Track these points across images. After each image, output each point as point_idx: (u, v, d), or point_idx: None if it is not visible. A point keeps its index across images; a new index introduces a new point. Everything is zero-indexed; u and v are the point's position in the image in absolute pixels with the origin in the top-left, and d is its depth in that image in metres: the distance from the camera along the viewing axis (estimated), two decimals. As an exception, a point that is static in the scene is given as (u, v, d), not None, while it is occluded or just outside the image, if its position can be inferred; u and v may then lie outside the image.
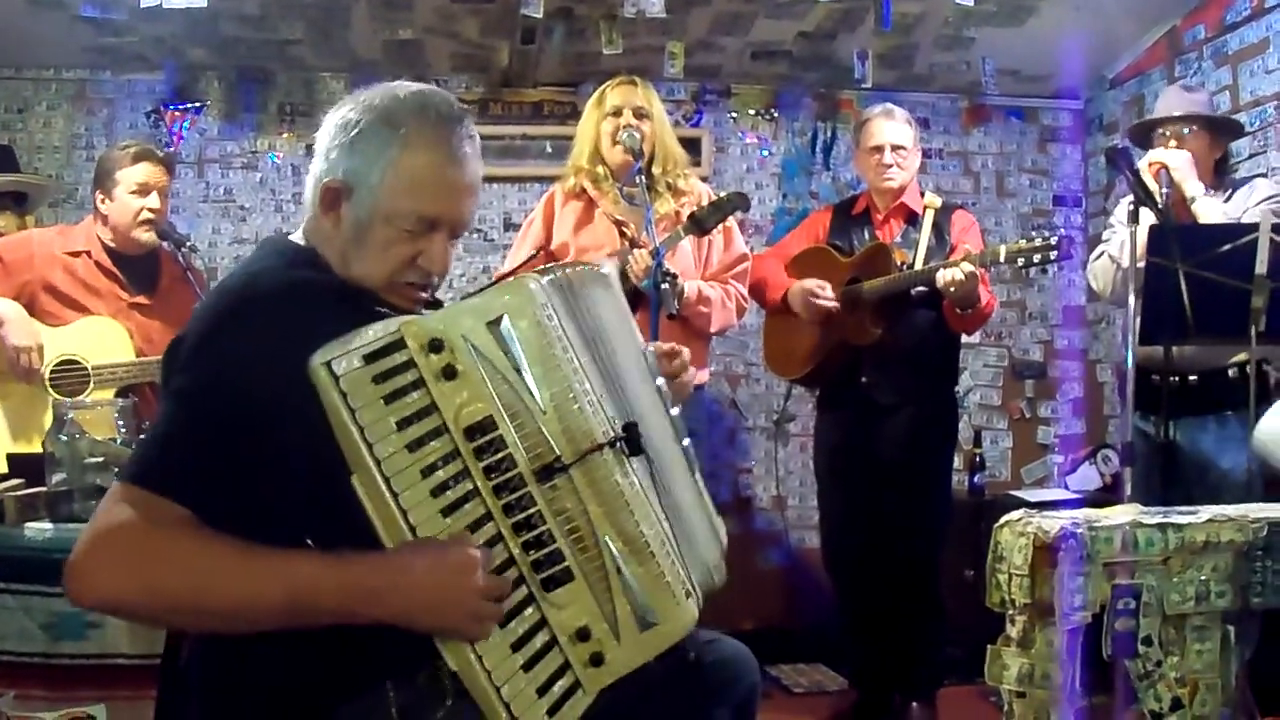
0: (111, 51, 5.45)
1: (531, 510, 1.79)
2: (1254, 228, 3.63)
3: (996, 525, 3.04)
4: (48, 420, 3.52)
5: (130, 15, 4.90)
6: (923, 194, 4.64)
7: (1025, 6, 5.30)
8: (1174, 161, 3.97)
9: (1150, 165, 3.98)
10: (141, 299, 4.07)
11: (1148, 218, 3.80)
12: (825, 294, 4.43)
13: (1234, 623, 2.97)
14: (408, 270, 1.98)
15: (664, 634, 1.89)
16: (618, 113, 4.20)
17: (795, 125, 6.14)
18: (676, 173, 4.24)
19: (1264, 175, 4.68)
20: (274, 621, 1.72)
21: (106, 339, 3.91)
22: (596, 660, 1.83)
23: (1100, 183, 6.14)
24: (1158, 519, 2.96)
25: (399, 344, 1.72)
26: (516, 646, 1.78)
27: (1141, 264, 3.72)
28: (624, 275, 3.96)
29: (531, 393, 1.80)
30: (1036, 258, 4.12)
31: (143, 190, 4.00)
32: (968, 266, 4.11)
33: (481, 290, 1.92)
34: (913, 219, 4.57)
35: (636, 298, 3.94)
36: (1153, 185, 3.91)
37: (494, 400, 1.76)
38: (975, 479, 5.73)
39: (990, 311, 4.49)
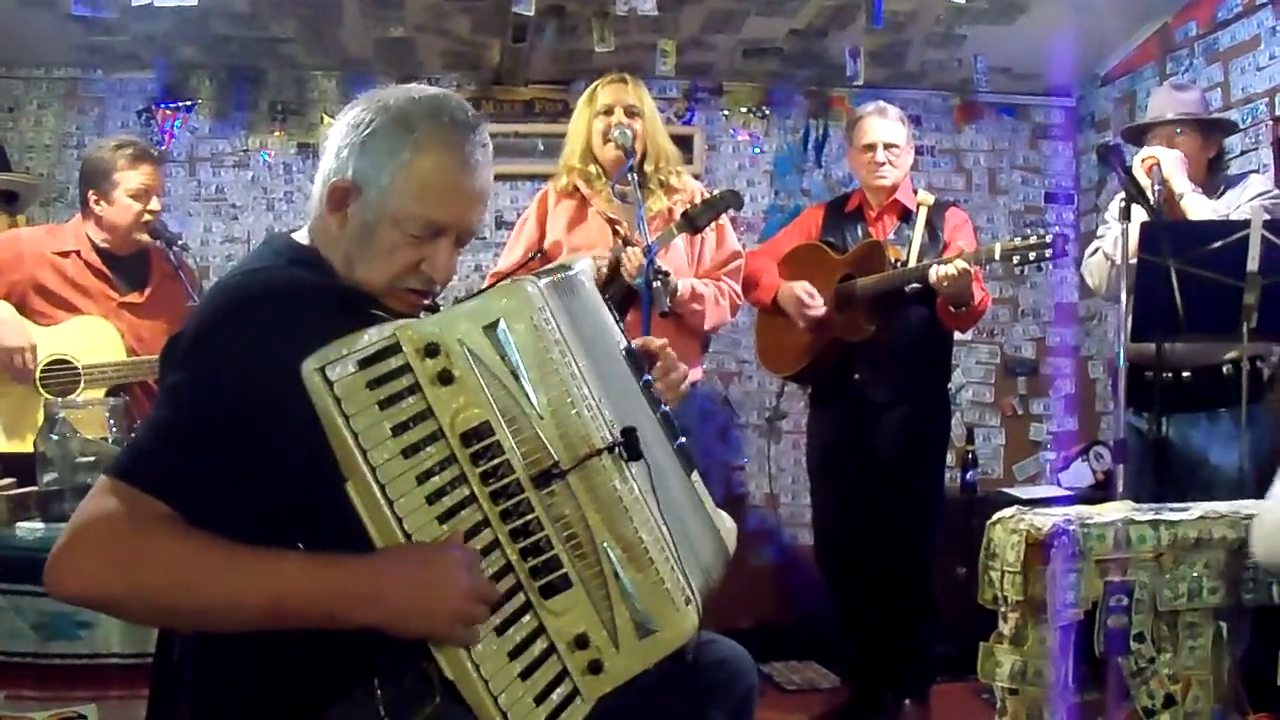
0: (102, 50, 5.45)
1: (529, 517, 1.77)
2: (1245, 224, 3.63)
3: (989, 522, 3.05)
4: (39, 420, 3.51)
5: (121, 14, 4.88)
6: (916, 192, 4.64)
7: (1016, 4, 5.30)
8: (1164, 158, 3.97)
9: (1142, 162, 3.99)
10: (132, 298, 4.06)
11: (1139, 215, 3.81)
12: (815, 303, 4.44)
13: (1226, 619, 2.98)
14: (411, 275, 1.97)
15: (663, 641, 1.87)
16: (609, 111, 4.20)
17: (787, 123, 6.15)
18: (669, 170, 4.24)
19: (1256, 172, 4.68)
20: (256, 623, 1.71)
21: (97, 338, 3.90)
22: (595, 668, 1.81)
23: (1092, 180, 6.14)
24: (1150, 516, 2.97)
25: (394, 348, 1.71)
26: (514, 654, 1.77)
27: (1134, 261, 3.73)
28: (617, 273, 3.97)
29: (529, 398, 1.78)
30: (1030, 255, 4.13)
31: (143, 193, 3.98)
32: (961, 263, 4.12)
33: (478, 293, 1.90)
34: (906, 216, 4.57)
35: (630, 296, 3.94)
36: (1145, 182, 3.92)
37: (491, 405, 1.75)
38: (968, 476, 5.73)
39: (983, 309, 4.50)
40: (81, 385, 3.85)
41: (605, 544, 1.83)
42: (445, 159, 1.93)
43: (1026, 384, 6.30)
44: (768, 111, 6.13)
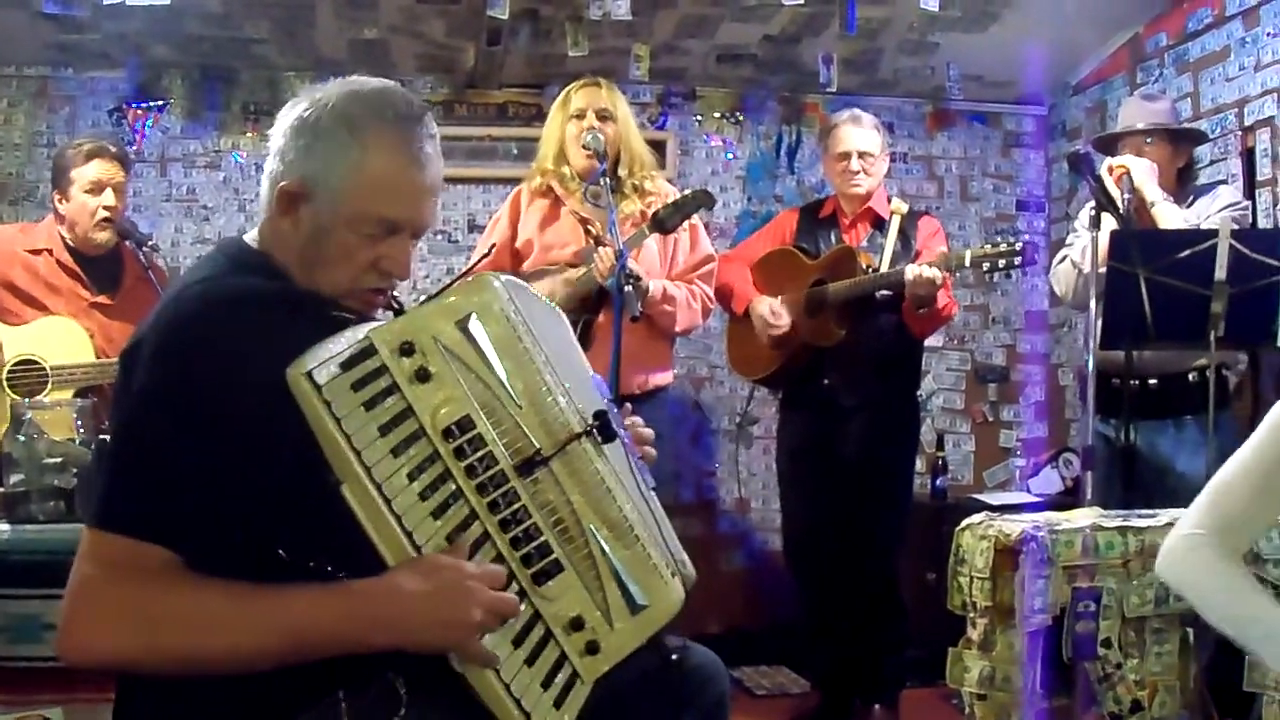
0: (73, 48, 5.41)
1: (516, 505, 1.77)
2: (1214, 234, 3.66)
3: (958, 528, 3.06)
4: (6, 420, 3.49)
5: (93, 12, 4.86)
6: (890, 199, 4.66)
7: (989, 13, 5.33)
8: (1135, 167, 4.00)
9: (1112, 171, 4.01)
10: (103, 299, 4.04)
11: (1109, 223, 3.84)
12: (778, 323, 4.50)
13: (1192, 625, 3.00)
14: (370, 274, 1.94)
15: (655, 615, 1.91)
16: (582, 115, 4.19)
17: (760, 128, 6.15)
18: (642, 174, 4.24)
19: (1225, 182, 4.72)
20: (279, 660, 1.69)
21: (66, 339, 3.88)
22: (592, 648, 1.83)
23: (1063, 188, 6.17)
24: (1118, 522, 2.99)
25: (369, 350, 1.69)
26: (517, 643, 1.77)
27: (1103, 269, 3.75)
28: (589, 275, 3.97)
29: (506, 388, 1.79)
30: (1000, 263, 4.16)
31: (97, 188, 3.96)
32: (934, 270, 4.14)
33: (442, 290, 1.89)
34: (879, 224, 4.59)
35: (601, 297, 3.94)
36: (1114, 191, 3.94)
37: (469, 399, 1.74)
38: (938, 482, 5.74)
39: (948, 315, 4.53)
40: (50, 386, 3.82)
41: (591, 525, 1.85)
42: (395, 157, 1.91)
43: (997, 390, 6.32)
44: (741, 117, 6.13)
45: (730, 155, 6.13)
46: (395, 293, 2.05)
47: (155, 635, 1.66)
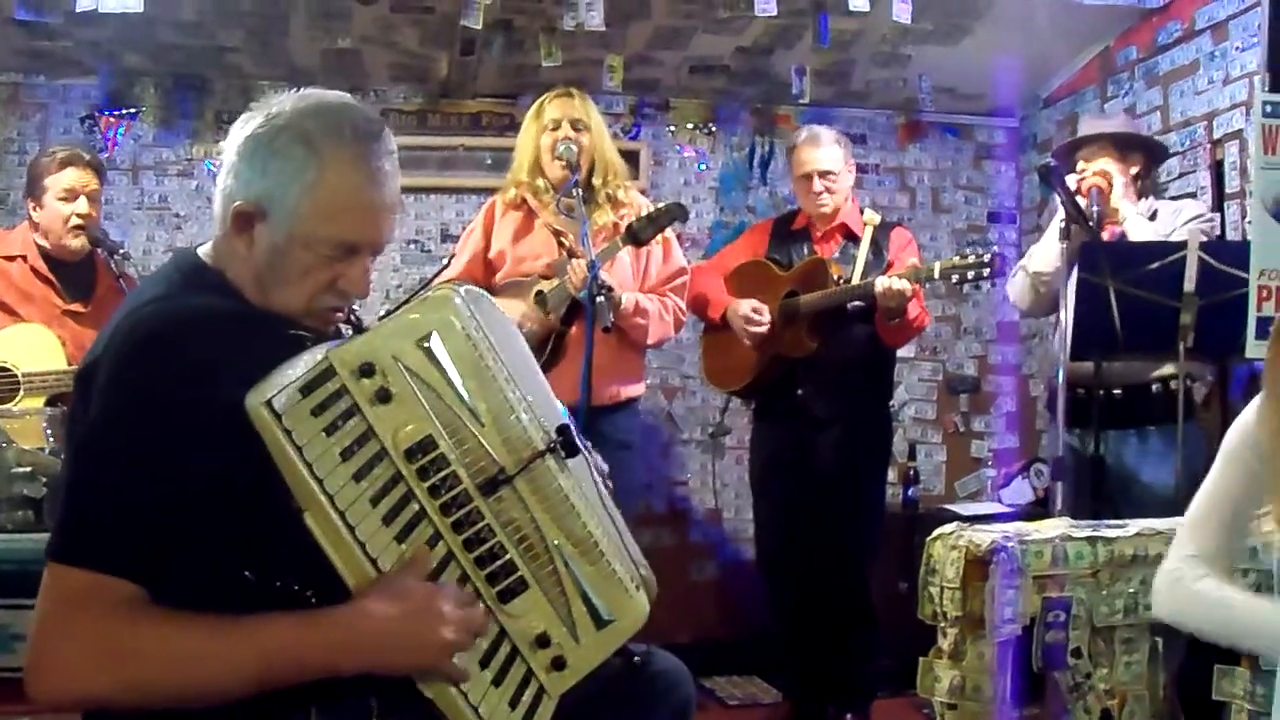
0: (45, 55, 5.38)
1: (480, 525, 1.78)
2: (1182, 246, 3.70)
3: (929, 538, 3.07)
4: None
5: (65, 19, 4.83)
6: (862, 211, 4.68)
7: (961, 26, 5.35)
8: (1115, 181, 4.08)
9: (1080, 183, 4.06)
10: (76, 306, 4.03)
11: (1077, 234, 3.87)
12: (761, 319, 4.48)
13: (1162, 635, 3.02)
14: (327, 294, 1.92)
15: (620, 629, 1.92)
16: (556, 125, 4.20)
17: (733, 140, 6.16)
18: (616, 184, 4.25)
19: (1193, 195, 4.77)
20: (250, 690, 1.68)
21: (38, 346, 3.86)
22: (559, 664, 1.84)
23: (1034, 200, 6.20)
24: (1087, 532, 3.00)
25: (329, 372, 1.68)
26: (484, 663, 1.78)
27: (1073, 282, 3.78)
28: (562, 288, 3.98)
29: (468, 407, 1.78)
30: (970, 274, 4.18)
31: (70, 195, 3.97)
32: (904, 282, 4.16)
33: (403, 304, 1.86)
34: (851, 236, 4.61)
35: (574, 309, 3.95)
36: (1083, 203, 3.98)
37: (431, 419, 1.74)
38: (909, 492, 5.76)
39: (920, 326, 4.55)
40: (21, 394, 3.81)
41: (556, 542, 1.85)
42: (352, 177, 1.87)
43: (968, 401, 6.34)
44: (714, 128, 6.14)
45: (703, 166, 6.13)
46: (357, 306, 2.02)
47: (125, 670, 1.65)
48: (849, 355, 4.50)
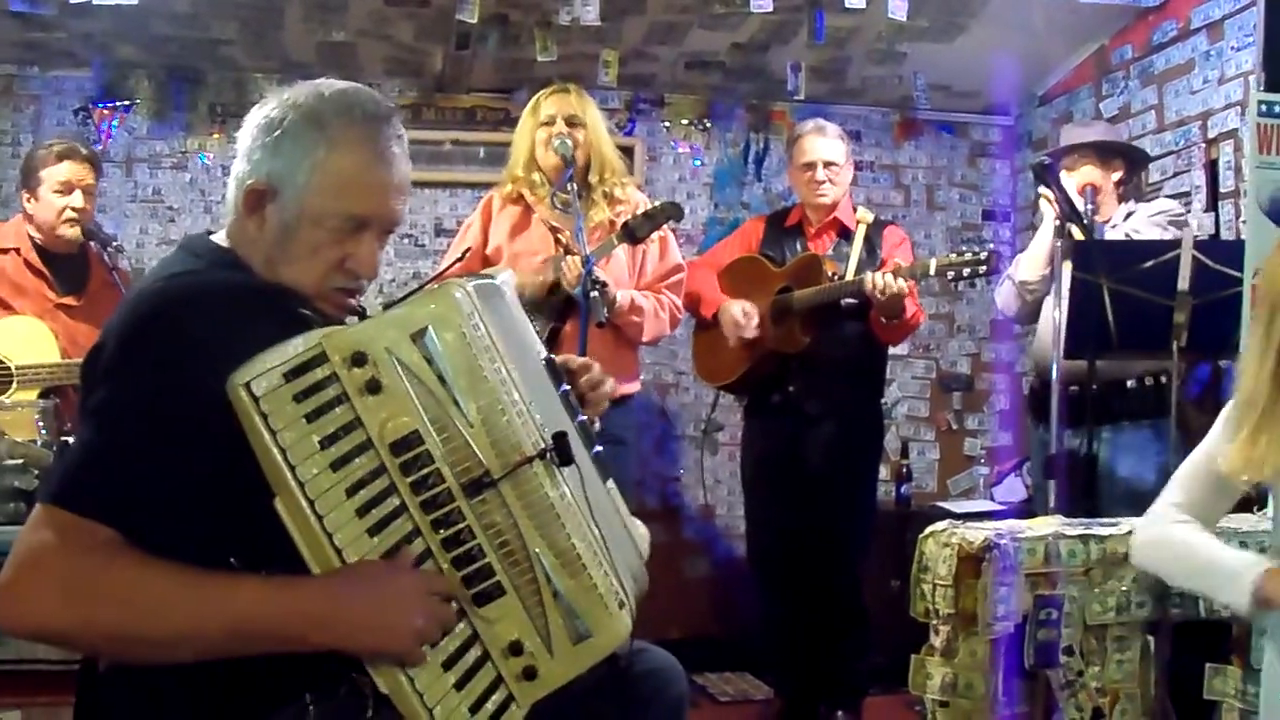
0: (39, 47, 5.37)
1: (460, 525, 1.76)
2: (1176, 244, 3.70)
3: (921, 536, 3.07)
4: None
5: (59, 11, 4.83)
6: (855, 208, 4.68)
7: (957, 24, 5.36)
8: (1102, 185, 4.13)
9: (1079, 185, 4.09)
10: (69, 300, 4.03)
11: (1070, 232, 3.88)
12: (748, 324, 4.49)
13: (1153, 633, 3.02)
14: (336, 274, 1.94)
15: (597, 646, 1.86)
16: (551, 121, 4.19)
17: (728, 136, 6.16)
18: (613, 181, 4.24)
19: (1187, 195, 4.79)
20: (215, 651, 1.69)
21: (31, 339, 3.86)
22: (530, 674, 1.81)
23: (1029, 198, 6.19)
24: (1080, 531, 3.01)
25: (321, 358, 1.69)
26: (448, 664, 1.76)
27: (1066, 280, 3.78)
28: (557, 283, 3.97)
29: (458, 406, 1.76)
30: (966, 271, 4.18)
31: (66, 188, 3.97)
32: (899, 280, 4.16)
33: (406, 297, 1.87)
34: (845, 233, 4.62)
35: (568, 305, 3.94)
36: (1078, 201, 3.98)
37: (419, 414, 1.73)
38: (902, 490, 5.77)
39: (916, 324, 4.55)
40: (14, 386, 3.80)
41: (538, 550, 1.81)
42: (360, 153, 1.91)
43: (961, 399, 6.34)
44: (709, 124, 6.14)
45: (698, 162, 6.13)
46: (361, 298, 2.04)
47: (92, 608, 1.65)
48: (841, 352, 4.50)
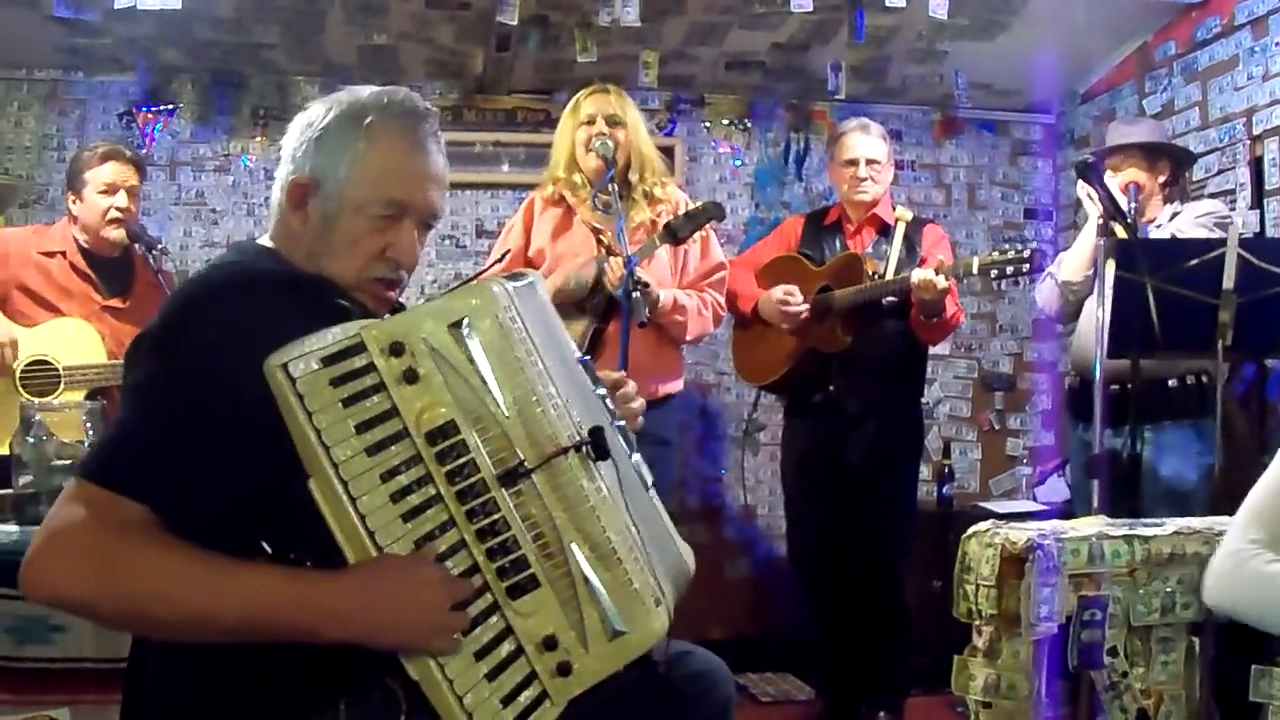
0: (84, 52, 5.43)
1: (495, 516, 1.76)
2: (1221, 243, 3.67)
3: (964, 536, 3.05)
4: (16, 422, 3.50)
5: (104, 16, 4.87)
6: (894, 207, 4.67)
7: (998, 21, 5.33)
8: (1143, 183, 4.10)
9: (1122, 184, 4.06)
10: (115, 302, 4.06)
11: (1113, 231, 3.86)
12: (795, 300, 4.46)
13: (1199, 634, 3.00)
14: (377, 263, 1.99)
15: (633, 643, 1.85)
16: (591, 121, 4.20)
17: (768, 135, 6.15)
18: (654, 181, 4.24)
19: (1232, 193, 4.75)
20: (227, 635, 1.71)
21: (78, 340, 3.90)
22: (564, 670, 1.79)
23: (1071, 196, 6.14)
24: (1124, 531, 2.98)
25: (359, 347, 1.71)
26: (480, 655, 1.76)
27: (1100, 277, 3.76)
28: (599, 283, 3.98)
29: (494, 396, 1.78)
30: (1009, 270, 4.16)
31: (110, 189, 4.01)
32: (940, 277, 4.15)
33: (445, 293, 1.91)
34: (885, 231, 4.60)
35: (611, 306, 3.95)
36: (1121, 200, 3.96)
37: (456, 404, 1.74)
38: (944, 490, 5.74)
39: (956, 323, 4.54)
40: (61, 387, 3.84)
41: (573, 543, 1.81)
42: (398, 142, 1.99)
43: (1004, 399, 6.31)
44: (749, 124, 6.14)
45: (738, 162, 6.13)
46: (402, 295, 2.09)
47: (115, 581, 1.68)
48: (882, 351, 4.49)
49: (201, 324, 1.80)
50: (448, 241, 5.83)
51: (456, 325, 1.78)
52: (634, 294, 3.73)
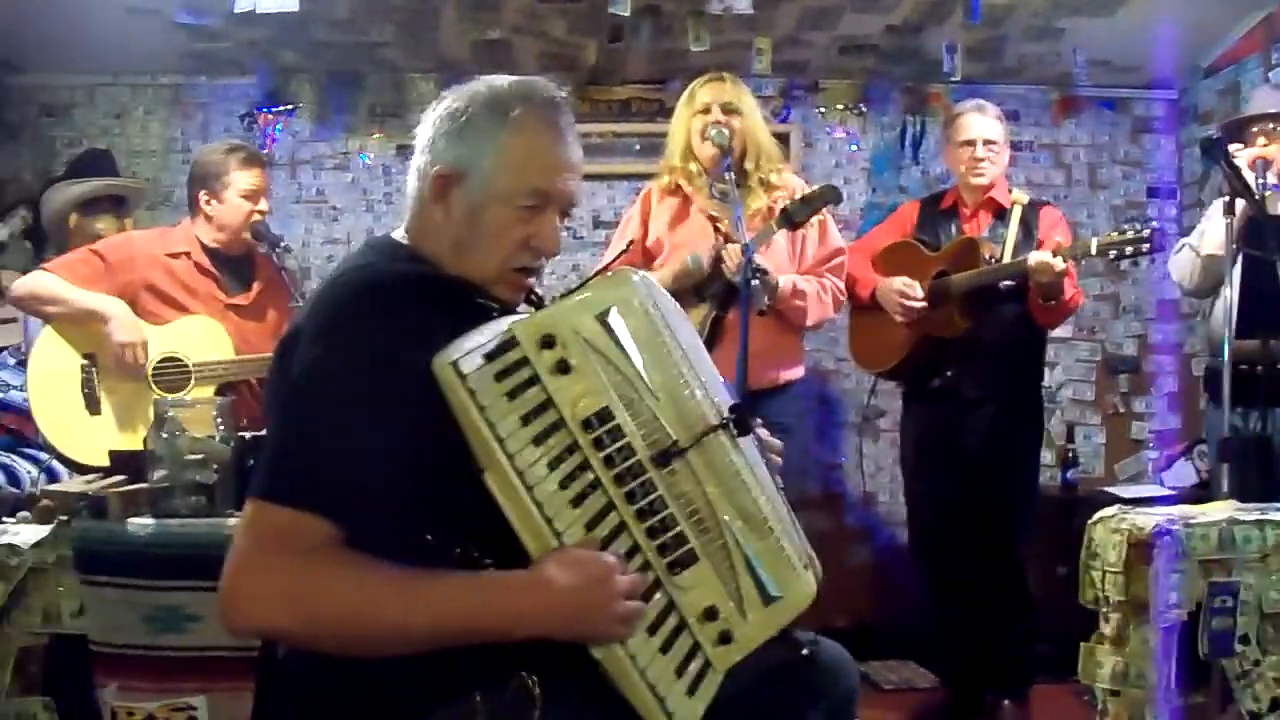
0: (206, 57, 5.56)
1: (653, 496, 1.82)
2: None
3: (1090, 522, 3.02)
4: (150, 417, 3.59)
5: (224, 21, 4.98)
6: (1010, 190, 4.62)
7: (1116, -4, 5.24)
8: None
9: (1250, 159, 3.95)
10: (238, 299, 4.13)
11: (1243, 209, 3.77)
12: (914, 294, 4.43)
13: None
14: (521, 253, 2.01)
15: (787, 606, 1.95)
16: (707, 109, 4.20)
17: (884, 119, 6.11)
18: (769, 168, 4.24)
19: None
20: (422, 646, 1.74)
21: (206, 337, 3.98)
22: (725, 638, 1.86)
23: (1195, 174, 6.03)
24: (1255, 516, 2.93)
25: (512, 342, 1.74)
26: (652, 630, 1.81)
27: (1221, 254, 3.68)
28: (718, 271, 3.98)
29: (644, 381, 1.83)
30: (1129, 249, 4.09)
31: (254, 195, 4.08)
32: (1058, 260, 4.10)
33: (582, 285, 1.94)
34: (1000, 214, 4.55)
35: (730, 294, 3.95)
36: (1250, 177, 3.86)
37: (608, 391, 1.79)
38: (1068, 475, 5.67)
39: (1075, 306, 4.47)
40: (192, 383, 3.93)
41: (726, 516, 1.89)
42: (543, 133, 2.00)
43: (1128, 382, 6.20)
44: (864, 108, 6.09)
45: (854, 147, 6.09)
46: (542, 295, 2.11)
47: (310, 608, 1.71)
48: (1000, 335, 4.44)
49: (357, 328, 1.82)
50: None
51: (604, 315, 1.83)
52: (753, 281, 3.73)
